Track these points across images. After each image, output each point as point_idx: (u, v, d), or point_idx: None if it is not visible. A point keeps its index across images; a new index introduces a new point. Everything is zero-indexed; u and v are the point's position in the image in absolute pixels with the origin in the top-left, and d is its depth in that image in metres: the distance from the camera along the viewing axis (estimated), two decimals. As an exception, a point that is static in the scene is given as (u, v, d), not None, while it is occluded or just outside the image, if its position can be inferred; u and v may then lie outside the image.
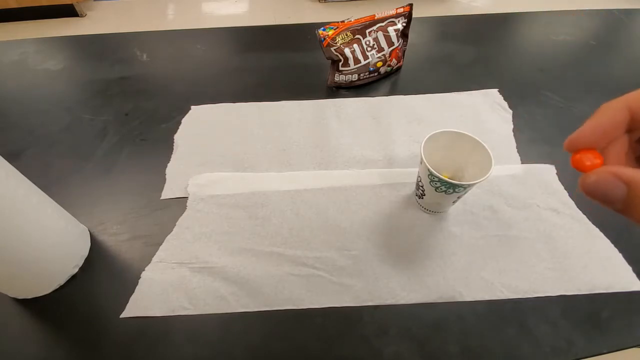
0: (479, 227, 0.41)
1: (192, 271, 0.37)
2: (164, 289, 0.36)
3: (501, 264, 0.38)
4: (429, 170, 0.35)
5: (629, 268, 0.37)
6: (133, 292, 0.36)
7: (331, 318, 0.34)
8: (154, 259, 0.38)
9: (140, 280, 0.36)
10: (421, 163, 0.37)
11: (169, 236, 0.40)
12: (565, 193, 0.44)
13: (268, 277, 0.37)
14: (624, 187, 0.14)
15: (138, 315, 0.34)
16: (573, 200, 0.43)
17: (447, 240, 0.39)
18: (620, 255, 0.38)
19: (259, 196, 0.44)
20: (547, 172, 0.46)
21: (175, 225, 0.41)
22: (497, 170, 0.46)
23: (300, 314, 0.35)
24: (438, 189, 0.36)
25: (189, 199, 0.43)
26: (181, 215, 0.42)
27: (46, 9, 2.07)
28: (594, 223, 0.41)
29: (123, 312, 0.34)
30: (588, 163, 0.16)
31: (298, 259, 0.38)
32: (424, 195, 0.39)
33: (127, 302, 0.35)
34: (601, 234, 0.40)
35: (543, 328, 0.33)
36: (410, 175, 0.45)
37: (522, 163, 0.47)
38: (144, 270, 0.37)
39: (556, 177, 0.45)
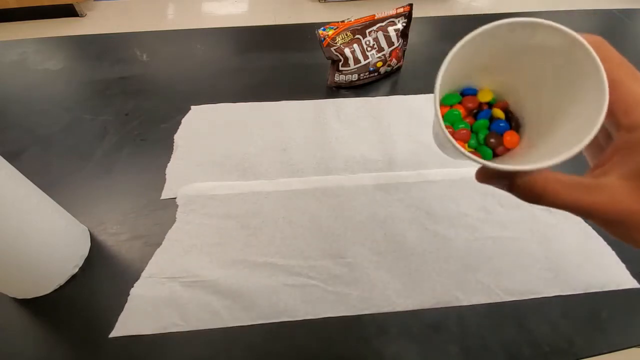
0: (473, 229, 0.40)
1: (183, 286, 0.36)
2: (154, 305, 0.35)
3: (496, 266, 0.38)
4: (443, 133, 0.19)
5: (623, 266, 0.37)
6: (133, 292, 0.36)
7: (330, 320, 0.34)
8: (143, 274, 0.37)
9: (129, 298, 0.35)
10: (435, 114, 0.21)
11: (158, 250, 0.39)
12: None
13: (262, 288, 0.36)
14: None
15: (128, 335, 0.33)
16: None
17: (442, 244, 0.39)
18: (613, 253, 0.38)
19: (250, 205, 0.43)
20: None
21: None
22: None
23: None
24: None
25: (178, 210, 0.42)
26: (181, 215, 0.42)
27: (46, 9, 2.07)
28: (586, 222, 0.41)
29: (112, 332, 0.33)
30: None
31: (292, 268, 0.37)
32: (444, 148, 0.23)
33: (127, 302, 0.35)
34: (594, 233, 0.40)
35: (543, 328, 0.33)
36: (403, 177, 0.45)
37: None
38: (132, 287, 0.36)
39: None
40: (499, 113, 0.22)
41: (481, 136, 0.22)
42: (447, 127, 0.21)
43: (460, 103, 0.23)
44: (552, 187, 0.18)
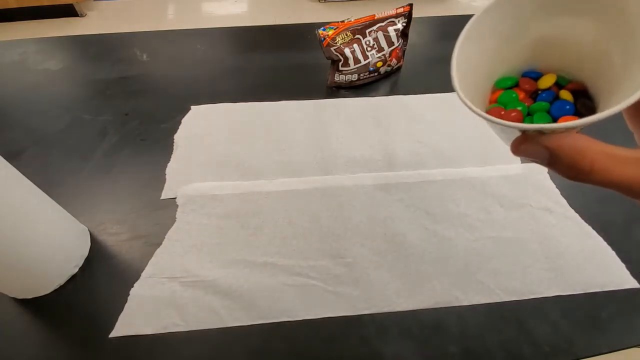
0: (473, 230, 0.40)
1: (183, 286, 0.36)
2: (154, 305, 0.35)
3: (496, 265, 0.38)
4: (466, 106, 0.18)
5: (622, 266, 0.37)
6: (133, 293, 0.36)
7: (330, 320, 0.34)
8: (143, 274, 0.37)
9: (129, 298, 0.35)
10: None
11: (158, 250, 0.39)
12: (557, 192, 0.44)
13: (261, 288, 0.36)
14: (547, 152, 0.17)
15: (128, 334, 0.33)
16: (565, 199, 0.43)
17: (442, 244, 0.39)
18: (613, 253, 0.38)
19: (250, 205, 0.43)
20: (539, 171, 0.46)
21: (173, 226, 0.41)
22: (490, 170, 0.46)
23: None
24: (503, 130, 0.20)
25: (178, 210, 0.42)
26: (181, 215, 0.42)
27: (46, 9, 2.07)
28: (586, 221, 0.41)
29: (112, 332, 0.33)
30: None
31: (292, 268, 0.37)
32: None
33: (127, 302, 0.35)
34: (594, 232, 0.40)
35: (543, 328, 0.33)
36: (403, 177, 0.45)
37: (522, 162, 0.47)
38: (132, 287, 0.36)
39: (548, 176, 0.45)
40: (565, 95, 0.20)
41: (537, 119, 0.19)
42: (499, 108, 0.20)
43: (517, 86, 0.21)
44: (601, 161, 0.15)
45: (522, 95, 0.21)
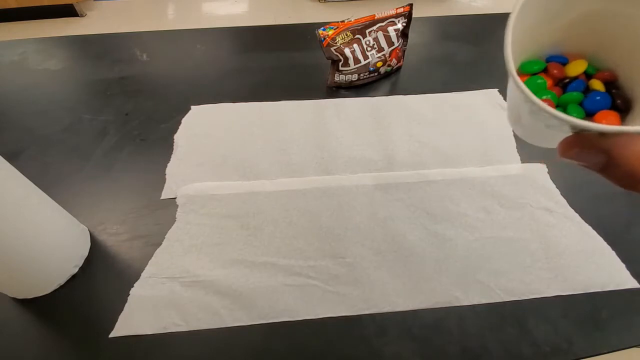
0: (472, 230, 0.40)
1: (183, 286, 0.36)
2: (154, 305, 0.35)
3: (496, 265, 0.38)
4: (524, 94, 0.15)
5: (622, 266, 0.37)
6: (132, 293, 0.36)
7: (330, 320, 0.34)
8: (143, 274, 0.37)
9: (129, 298, 0.35)
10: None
11: (158, 250, 0.39)
12: (558, 192, 0.44)
13: (262, 288, 0.36)
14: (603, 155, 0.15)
15: (128, 335, 0.33)
16: (565, 198, 0.43)
17: (442, 244, 0.39)
18: (613, 253, 0.38)
19: (250, 205, 0.43)
20: (539, 171, 0.46)
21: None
22: (490, 170, 0.46)
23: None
24: (549, 126, 0.17)
25: (178, 210, 0.42)
26: (181, 215, 0.42)
27: (46, 9, 2.07)
28: (586, 221, 0.41)
29: (112, 332, 0.33)
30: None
31: (292, 268, 0.37)
32: (520, 121, 0.20)
33: (127, 302, 0.35)
34: (594, 232, 0.40)
35: (543, 328, 0.33)
36: (403, 177, 0.45)
37: (522, 162, 0.47)
38: (132, 287, 0.36)
39: (548, 177, 0.45)
40: (597, 85, 0.18)
41: (571, 112, 0.17)
42: None
43: (544, 71, 0.19)
44: None
45: (549, 82, 0.18)
